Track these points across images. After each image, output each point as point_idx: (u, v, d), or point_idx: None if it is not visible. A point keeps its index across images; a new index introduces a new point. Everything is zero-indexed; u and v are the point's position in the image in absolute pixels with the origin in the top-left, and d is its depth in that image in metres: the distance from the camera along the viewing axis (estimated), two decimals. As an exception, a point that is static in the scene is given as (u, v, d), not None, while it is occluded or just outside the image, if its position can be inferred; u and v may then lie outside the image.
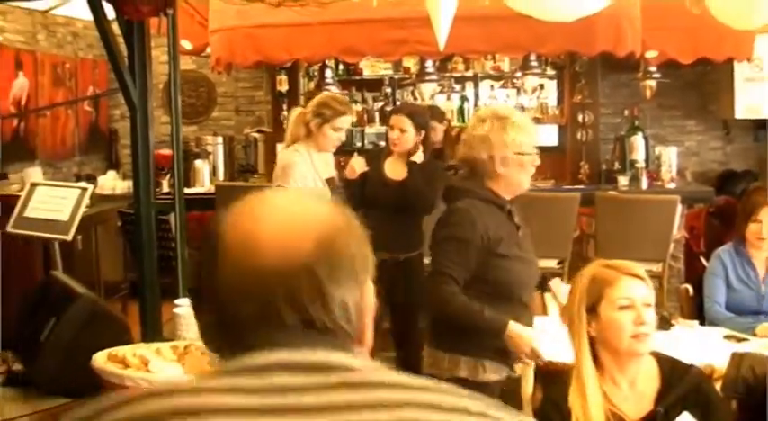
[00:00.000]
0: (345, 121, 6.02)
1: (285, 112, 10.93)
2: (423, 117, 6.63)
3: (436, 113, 8.49)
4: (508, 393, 4.17)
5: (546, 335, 4.15)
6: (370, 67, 11.55)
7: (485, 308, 3.93)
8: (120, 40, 6.97)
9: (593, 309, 3.44)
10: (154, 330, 6.56)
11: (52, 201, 6.36)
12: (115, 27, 6.93)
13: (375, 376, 1.40)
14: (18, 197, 6.59)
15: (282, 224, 1.45)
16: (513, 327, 3.92)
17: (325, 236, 1.44)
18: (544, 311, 5.29)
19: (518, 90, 11.34)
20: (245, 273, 1.43)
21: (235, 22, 8.91)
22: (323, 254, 1.42)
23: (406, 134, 6.33)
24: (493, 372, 4.08)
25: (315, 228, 1.45)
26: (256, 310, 1.43)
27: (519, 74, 11.14)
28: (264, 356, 1.40)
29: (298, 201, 1.52)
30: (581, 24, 5.73)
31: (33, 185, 6.64)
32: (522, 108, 10.40)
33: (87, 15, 7.62)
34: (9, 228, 6.32)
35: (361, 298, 1.47)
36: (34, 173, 8.93)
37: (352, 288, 1.45)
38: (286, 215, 1.47)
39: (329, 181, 6.04)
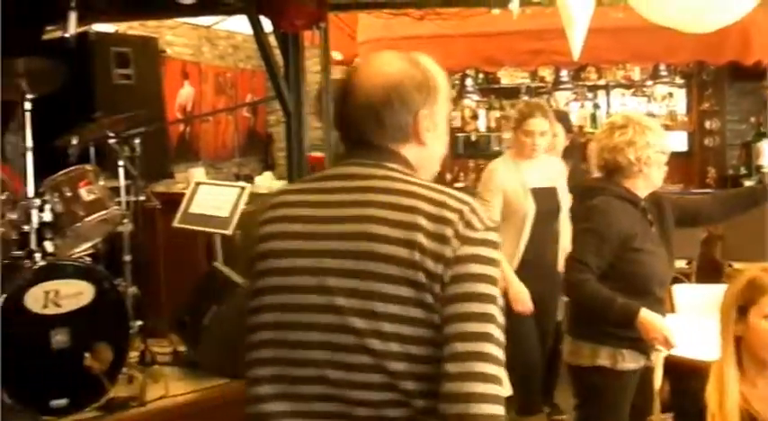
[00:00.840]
0: (534, 124, 5.63)
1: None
2: (569, 120, 6.55)
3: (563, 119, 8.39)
4: (643, 382, 4.13)
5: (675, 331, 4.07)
6: (508, 76, 11.51)
7: (617, 295, 3.89)
8: (277, 51, 7.09)
9: (743, 311, 3.32)
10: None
11: (214, 199, 6.47)
12: (272, 39, 7.06)
13: (378, 183, 2.02)
14: (183, 195, 6.72)
15: (368, 76, 2.09)
16: (645, 314, 3.85)
17: (391, 83, 2.06)
18: (671, 309, 5.20)
19: (648, 98, 11.19)
20: (343, 108, 2.12)
21: (382, 34, 8.97)
22: (386, 96, 2.05)
23: (557, 138, 6.19)
24: (631, 361, 4.04)
25: (386, 78, 2.06)
26: (344, 134, 2.15)
27: (649, 82, 11.01)
28: (333, 169, 2.15)
29: (386, 60, 2.12)
30: (710, 34, 5.61)
31: (197, 184, 6.77)
32: (652, 115, 10.22)
33: (247, 29, 7.79)
34: (175, 223, 6.46)
35: (414, 119, 2.07)
36: (198, 173, 9.10)
37: (405, 116, 2.06)
38: (373, 70, 2.11)
39: (539, 191, 5.70)
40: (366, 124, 2.07)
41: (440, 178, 10.66)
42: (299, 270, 2.01)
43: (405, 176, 2.04)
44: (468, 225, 1.93)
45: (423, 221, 1.92)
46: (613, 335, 3.99)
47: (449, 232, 1.91)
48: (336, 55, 9.03)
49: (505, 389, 1.91)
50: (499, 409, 1.86)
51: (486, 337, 1.87)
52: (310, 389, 2.00)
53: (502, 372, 1.89)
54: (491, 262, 1.94)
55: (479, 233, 1.94)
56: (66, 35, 5.97)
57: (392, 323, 1.90)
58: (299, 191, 2.16)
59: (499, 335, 1.90)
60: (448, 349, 1.87)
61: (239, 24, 9.70)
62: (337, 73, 10.21)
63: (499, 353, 1.89)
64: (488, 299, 1.91)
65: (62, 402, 4.94)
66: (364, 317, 1.92)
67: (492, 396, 1.85)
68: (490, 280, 1.92)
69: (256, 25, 6.86)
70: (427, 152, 2.13)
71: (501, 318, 1.92)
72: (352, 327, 1.93)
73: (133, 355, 5.67)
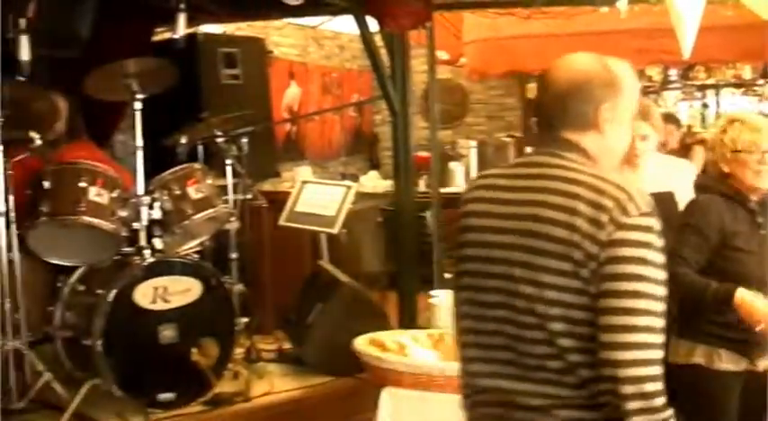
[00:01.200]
0: (640, 129, 4.82)
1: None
2: (674, 118, 6.40)
3: (671, 119, 8.24)
4: (752, 390, 4.01)
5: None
6: (616, 76, 11.36)
7: (711, 281, 3.81)
8: (383, 51, 7.10)
9: None
10: (410, 318, 6.65)
11: (320, 198, 6.52)
12: (378, 39, 7.07)
13: (551, 171, 2.32)
14: (289, 193, 6.78)
15: (561, 72, 2.41)
16: (743, 295, 3.75)
17: (579, 79, 2.37)
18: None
19: (759, 97, 10.96)
20: (540, 100, 2.45)
21: (488, 34, 8.94)
22: (572, 88, 2.36)
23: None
24: (729, 362, 3.93)
25: (576, 74, 2.38)
26: (538, 123, 2.46)
27: (760, 81, 10.78)
28: (523, 157, 2.52)
29: (580, 59, 2.42)
30: (825, 31, 5.49)
31: (303, 183, 6.83)
32: (764, 115, 9.99)
33: (353, 29, 7.82)
34: (281, 221, 6.53)
35: (594, 110, 2.35)
36: (304, 172, 9.18)
37: (587, 106, 2.35)
38: (566, 66, 2.41)
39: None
40: (554, 113, 2.40)
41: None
42: (487, 244, 2.40)
43: (575, 165, 2.32)
44: (624, 211, 2.19)
45: (582, 207, 2.21)
46: (712, 335, 3.90)
47: (604, 218, 2.19)
48: (442, 54, 9.03)
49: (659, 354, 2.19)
50: (648, 370, 2.15)
51: (632, 312, 2.15)
52: (492, 340, 2.38)
53: (654, 338, 2.17)
54: (642, 245, 2.19)
55: (633, 219, 2.19)
56: (176, 36, 6.06)
57: (556, 291, 2.23)
58: (494, 175, 2.53)
59: (649, 306, 2.16)
60: (602, 320, 2.17)
61: (345, 24, 9.73)
62: (443, 72, 10.25)
63: (650, 322, 2.16)
64: (637, 278, 2.16)
65: (169, 396, 5.04)
66: (533, 286, 2.26)
67: (641, 360, 2.15)
68: (640, 261, 2.17)
69: (362, 25, 6.89)
70: (605, 141, 2.41)
71: (655, 291, 2.18)
72: (523, 293, 2.28)
73: (239, 352, 5.75)
